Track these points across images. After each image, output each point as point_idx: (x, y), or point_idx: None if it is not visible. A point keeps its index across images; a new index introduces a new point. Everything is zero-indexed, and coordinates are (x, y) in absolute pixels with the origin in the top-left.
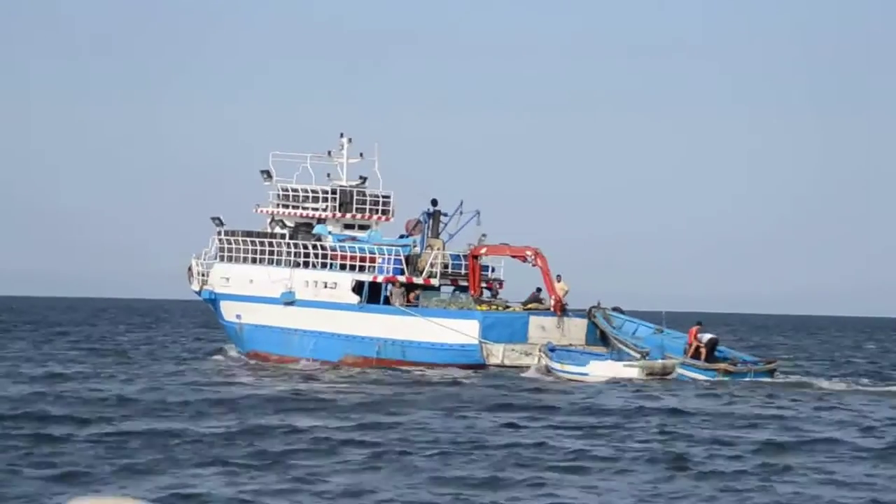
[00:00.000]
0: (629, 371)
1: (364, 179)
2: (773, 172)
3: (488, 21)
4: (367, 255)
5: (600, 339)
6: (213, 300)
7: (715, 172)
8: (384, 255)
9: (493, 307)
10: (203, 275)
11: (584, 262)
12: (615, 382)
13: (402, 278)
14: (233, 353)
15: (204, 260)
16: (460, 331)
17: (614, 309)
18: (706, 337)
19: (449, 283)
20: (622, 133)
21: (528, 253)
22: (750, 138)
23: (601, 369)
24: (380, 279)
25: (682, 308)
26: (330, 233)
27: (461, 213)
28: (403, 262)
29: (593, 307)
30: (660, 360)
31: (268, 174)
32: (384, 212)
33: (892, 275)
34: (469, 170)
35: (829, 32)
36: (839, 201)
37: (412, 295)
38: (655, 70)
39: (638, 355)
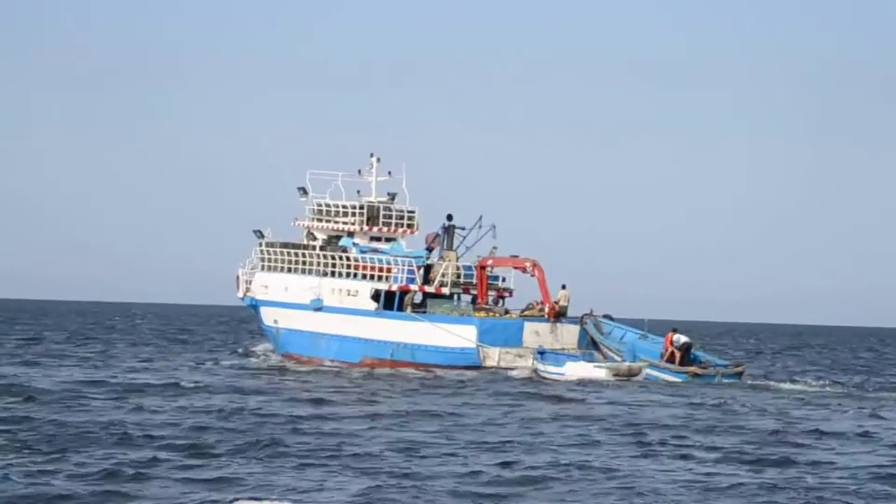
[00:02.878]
0: (598, 372)
1: (393, 196)
2: (763, 182)
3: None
4: (385, 266)
5: (591, 343)
6: (255, 306)
7: (712, 183)
8: (399, 265)
9: (492, 314)
10: (246, 283)
11: (589, 268)
12: (587, 381)
13: (414, 287)
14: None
15: (247, 269)
16: (460, 335)
17: (605, 316)
18: (681, 341)
19: (461, 291)
20: (628, 147)
21: (527, 264)
22: (741, 150)
23: (574, 370)
24: (394, 288)
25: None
26: (355, 244)
27: (480, 226)
28: (416, 272)
29: (585, 314)
30: (626, 363)
31: (304, 191)
32: (409, 225)
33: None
34: (491, 185)
35: (818, 51)
36: (828, 210)
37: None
38: (656, 89)
39: (619, 358)
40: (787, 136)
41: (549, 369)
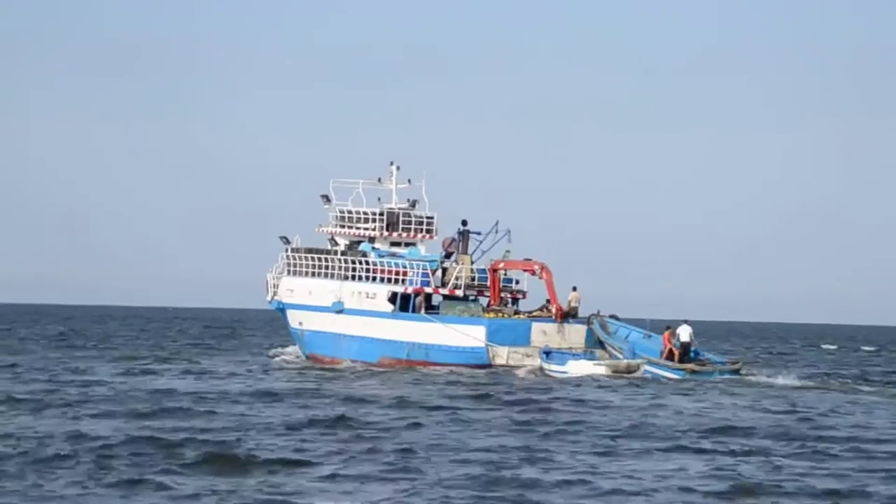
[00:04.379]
0: (598, 369)
1: (414, 203)
2: (774, 178)
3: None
4: (401, 269)
5: (597, 343)
6: (282, 309)
7: (719, 178)
8: (414, 269)
9: (501, 315)
10: (274, 286)
11: (603, 268)
12: (589, 378)
13: (428, 289)
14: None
15: (275, 274)
16: (470, 335)
17: (611, 316)
18: (682, 338)
19: (476, 293)
20: (636, 146)
21: (536, 267)
22: (754, 144)
23: (576, 368)
24: (409, 290)
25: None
26: (374, 249)
27: (496, 231)
28: (431, 275)
29: (592, 315)
30: (624, 360)
31: (326, 198)
32: (428, 231)
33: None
34: (507, 186)
35: (841, 40)
36: (844, 207)
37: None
38: (667, 80)
39: (621, 356)
40: (814, 128)
41: (553, 367)
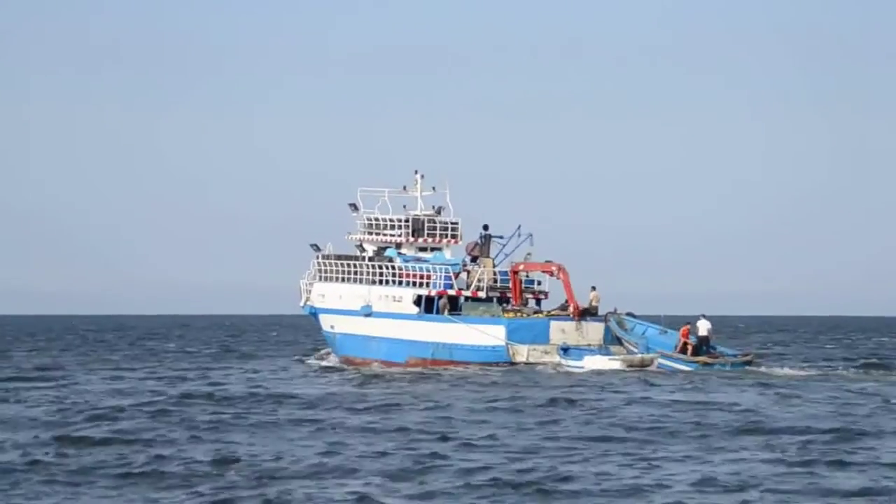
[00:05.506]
0: (613, 363)
1: (439, 210)
2: (762, 170)
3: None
4: (425, 273)
5: (615, 339)
6: (314, 313)
7: (717, 171)
8: (437, 272)
9: (520, 314)
10: (307, 292)
11: (622, 264)
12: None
13: (451, 292)
14: (311, 361)
15: (307, 280)
16: (492, 334)
17: (628, 314)
18: (702, 329)
19: (499, 295)
20: (642, 140)
21: (553, 268)
22: (739, 136)
23: (592, 363)
24: (433, 293)
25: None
26: (400, 254)
27: (519, 235)
28: (453, 278)
29: (609, 312)
30: (639, 355)
31: (354, 207)
32: (453, 236)
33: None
34: (528, 195)
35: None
36: (834, 197)
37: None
38: (654, 71)
39: (636, 351)
40: (798, 116)
41: (570, 363)
